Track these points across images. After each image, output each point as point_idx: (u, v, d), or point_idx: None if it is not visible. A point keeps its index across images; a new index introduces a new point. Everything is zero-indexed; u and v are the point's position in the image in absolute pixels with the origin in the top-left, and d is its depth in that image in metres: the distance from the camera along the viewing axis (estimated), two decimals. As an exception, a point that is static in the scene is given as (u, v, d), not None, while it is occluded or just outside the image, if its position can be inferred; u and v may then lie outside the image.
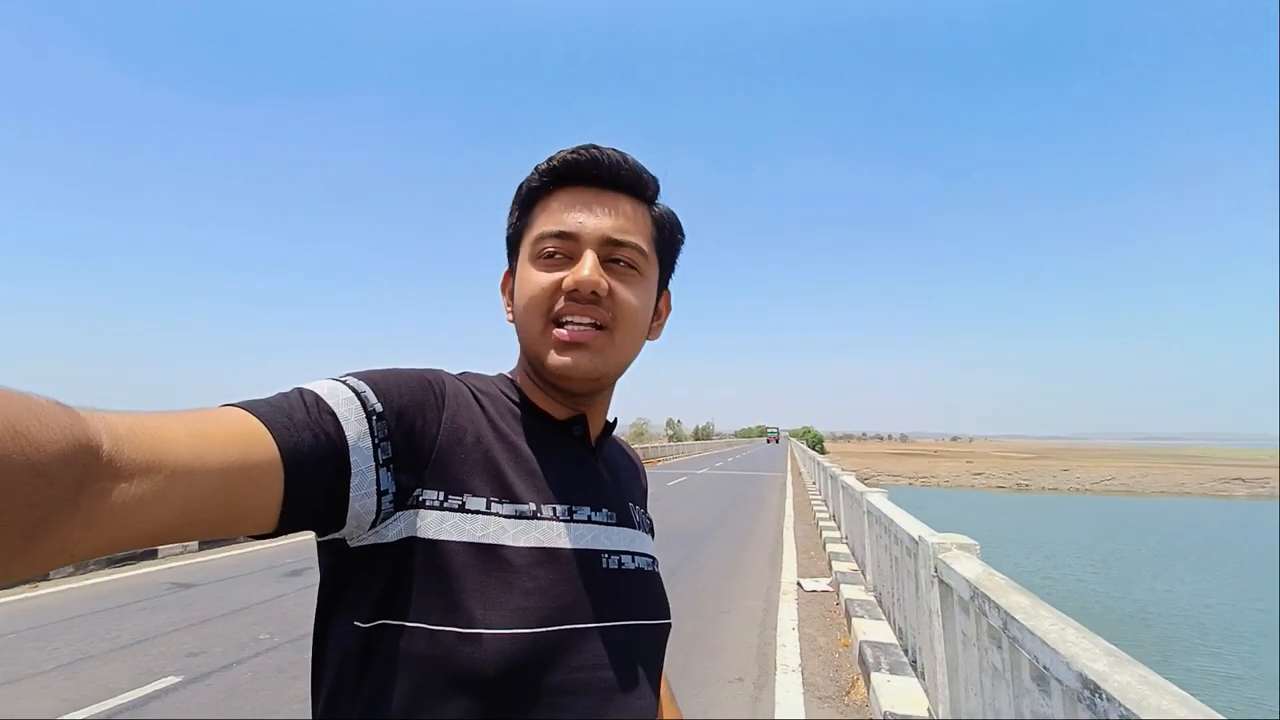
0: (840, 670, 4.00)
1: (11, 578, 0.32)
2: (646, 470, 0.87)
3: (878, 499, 4.94)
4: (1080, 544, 18.39)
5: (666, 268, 0.70)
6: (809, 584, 6.10)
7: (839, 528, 8.47)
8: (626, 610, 0.60)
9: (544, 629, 0.51)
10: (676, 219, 0.70)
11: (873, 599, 5.00)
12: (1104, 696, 1.26)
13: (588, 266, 0.59)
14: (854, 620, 4.49)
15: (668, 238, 0.69)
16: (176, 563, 7.06)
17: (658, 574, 0.69)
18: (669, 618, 0.67)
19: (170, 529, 0.38)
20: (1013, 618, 1.80)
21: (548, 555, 0.55)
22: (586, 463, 0.66)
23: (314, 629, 0.56)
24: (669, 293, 0.73)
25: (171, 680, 3.68)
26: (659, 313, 0.71)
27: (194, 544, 7.68)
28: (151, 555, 7.25)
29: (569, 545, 0.57)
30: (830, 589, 5.91)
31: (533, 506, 0.56)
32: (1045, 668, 1.57)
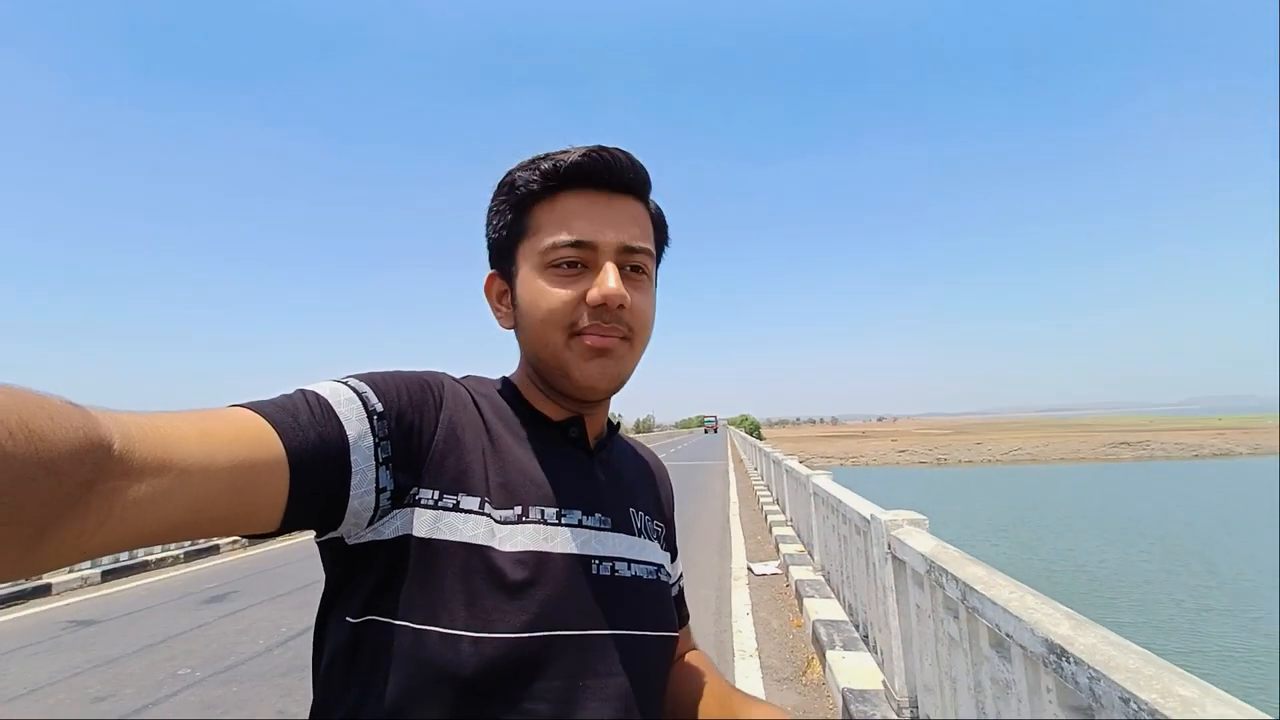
0: (795, 651, 4.09)
1: (23, 574, 0.33)
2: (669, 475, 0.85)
3: (824, 480, 5.08)
4: (992, 512, 19.88)
5: (659, 265, 0.70)
6: (759, 568, 6.22)
7: (784, 511, 8.70)
8: (617, 619, 0.58)
9: (526, 634, 0.51)
10: (664, 215, 0.70)
11: (821, 578, 5.15)
12: (1071, 659, 1.30)
13: (612, 279, 0.58)
14: (805, 600, 4.61)
15: (662, 236, 0.69)
16: (74, 598, 6.33)
17: (661, 583, 0.66)
18: (671, 629, 0.65)
19: (179, 527, 0.39)
20: (971, 588, 1.86)
21: (534, 559, 0.54)
22: (583, 466, 0.65)
23: (315, 624, 0.56)
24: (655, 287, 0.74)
25: (71, 732, 3.28)
26: None
27: (95, 576, 6.94)
28: (45, 592, 6.46)
29: (557, 550, 0.56)
30: (779, 571, 6.05)
31: (522, 509, 0.56)
32: (1007, 634, 1.62)
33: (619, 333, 0.60)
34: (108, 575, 7.04)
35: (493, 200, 0.64)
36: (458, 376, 0.66)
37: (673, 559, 0.78)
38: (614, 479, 0.68)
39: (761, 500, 10.83)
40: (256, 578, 6.78)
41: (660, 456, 0.88)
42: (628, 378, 0.64)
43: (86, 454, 0.32)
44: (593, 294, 0.58)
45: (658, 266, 0.70)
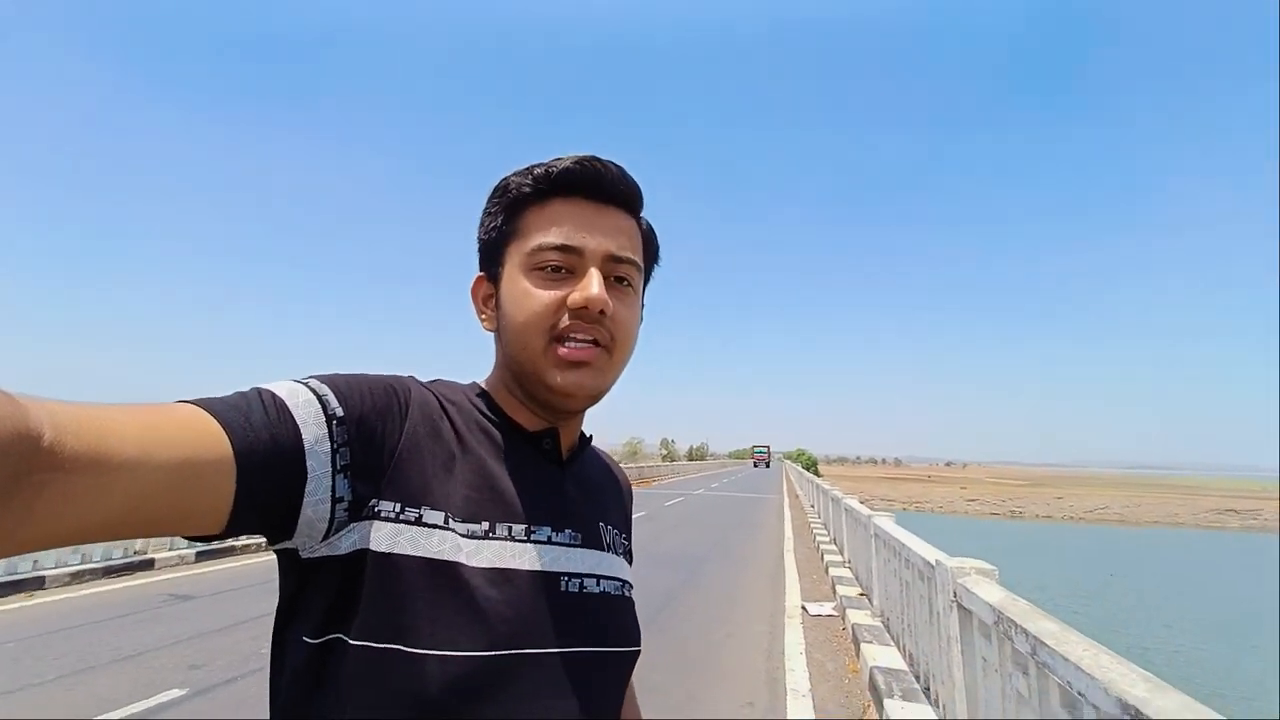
0: (851, 696, 3.98)
1: None
2: (634, 490, 0.84)
3: (886, 522, 4.95)
4: (1073, 575, 18.34)
5: (648, 280, 0.70)
6: (814, 608, 6.07)
7: (841, 551, 8.45)
8: (585, 636, 0.57)
9: (492, 652, 0.49)
10: (655, 233, 0.70)
11: (880, 624, 4.99)
12: (1146, 721, 1.28)
13: (595, 284, 0.57)
14: (862, 645, 4.48)
15: (651, 252, 0.69)
16: (173, 574, 6.98)
17: (627, 599, 0.65)
18: (637, 644, 0.64)
19: (114, 524, 0.37)
20: (1043, 643, 1.83)
21: (502, 576, 0.52)
22: (554, 479, 0.63)
23: (271, 644, 0.53)
24: (643, 304, 0.71)
25: (176, 693, 3.63)
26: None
27: (191, 555, 7.60)
28: (149, 566, 7.16)
29: (525, 566, 0.54)
30: (835, 613, 5.88)
31: (489, 524, 0.54)
32: (1080, 693, 1.59)
33: (599, 337, 0.59)
34: (201, 556, 7.70)
35: (486, 203, 0.64)
36: (426, 380, 0.64)
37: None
38: (585, 493, 0.66)
39: (818, 539, 10.54)
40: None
41: (714, 485, 0.85)
42: (606, 390, 0.62)
43: (12, 445, 0.30)
44: (574, 297, 0.57)
45: (646, 284, 0.69)
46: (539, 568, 0.55)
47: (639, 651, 0.64)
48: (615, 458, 0.87)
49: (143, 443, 0.37)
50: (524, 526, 0.56)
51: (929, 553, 3.41)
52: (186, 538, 0.44)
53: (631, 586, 0.68)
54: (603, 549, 0.64)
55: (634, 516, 0.80)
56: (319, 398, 0.49)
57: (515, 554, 0.54)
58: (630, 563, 0.73)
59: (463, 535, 0.52)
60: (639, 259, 0.64)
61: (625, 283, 0.62)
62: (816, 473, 36.04)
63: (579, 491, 0.65)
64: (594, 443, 0.75)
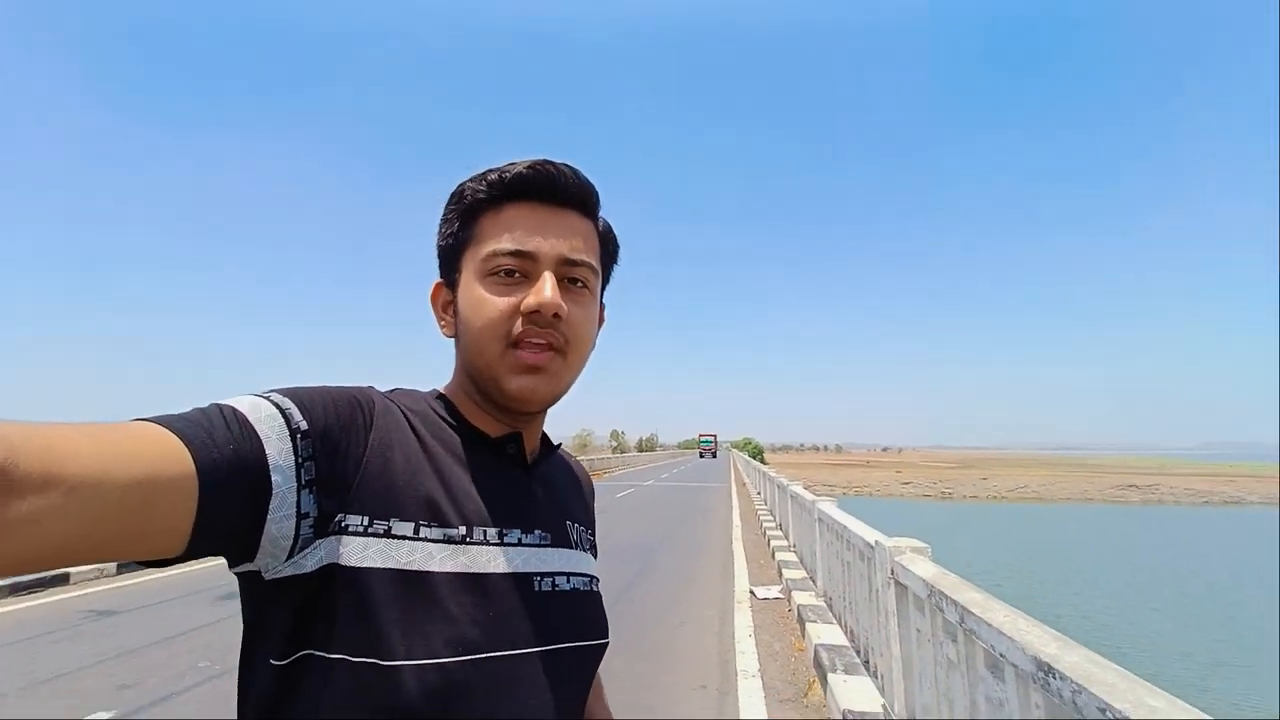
0: (797, 673, 4.18)
1: None
2: (594, 482, 0.88)
3: (829, 507, 5.19)
4: (996, 550, 19.69)
5: (605, 281, 0.70)
6: (761, 592, 6.30)
7: (787, 536, 8.77)
8: (560, 633, 0.58)
9: (470, 657, 0.50)
10: (614, 234, 0.70)
11: (824, 604, 5.24)
12: (1057, 675, 1.44)
13: (548, 289, 0.57)
14: (807, 625, 4.70)
15: (610, 252, 0.69)
16: (92, 588, 6.49)
17: (596, 593, 0.67)
18: (606, 637, 0.66)
19: (69, 549, 0.35)
20: (969, 611, 2.00)
21: (475, 581, 0.53)
22: (520, 482, 0.63)
23: (239, 665, 0.53)
24: (604, 305, 0.72)
25: (103, 715, 3.41)
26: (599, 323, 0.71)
27: (111, 568, 7.09)
28: (64, 580, 6.63)
29: (498, 569, 0.55)
30: (782, 596, 6.13)
31: (462, 530, 0.54)
32: (1001, 655, 1.76)
33: (553, 341, 0.59)
34: (122, 568, 7.19)
35: (444, 209, 0.64)
36: (385, 390, 0.64)
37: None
38: (550, 493, 0.67)
39: (764, 524, 10.89)
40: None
41: (663, 476, 0.88)
42: (563, 392, 0.63)
43: None
44: (528, 301, 0.57)
45: (604, 285, 0.70)
46: (512, 569, 0.56)
47: (608, 643, 0.67)
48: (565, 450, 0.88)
49: (100, 462, 0.36)
50: (496, 530, 0.57)
51: (869, 534, 3.62)
52: (142, 563, 0.43)
53: (598, 580, 0.70)
54: (570, 546, 0.66)
55: None
56: (282, 411, 0.48)
57: (489, 558, 0.55)
58: (595, 557, 0.75)
59: (434, 543, 0.52)
60: (594, 261, 0.63)
61: (580, 284, 0.62)
62: (762, 461, 37.02)
63: (545, 493, 0.66)
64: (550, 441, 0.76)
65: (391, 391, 0.64)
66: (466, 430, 0.62)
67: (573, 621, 0.61)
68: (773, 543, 8.77)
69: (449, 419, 0.62)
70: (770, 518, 11.52)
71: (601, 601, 0.69)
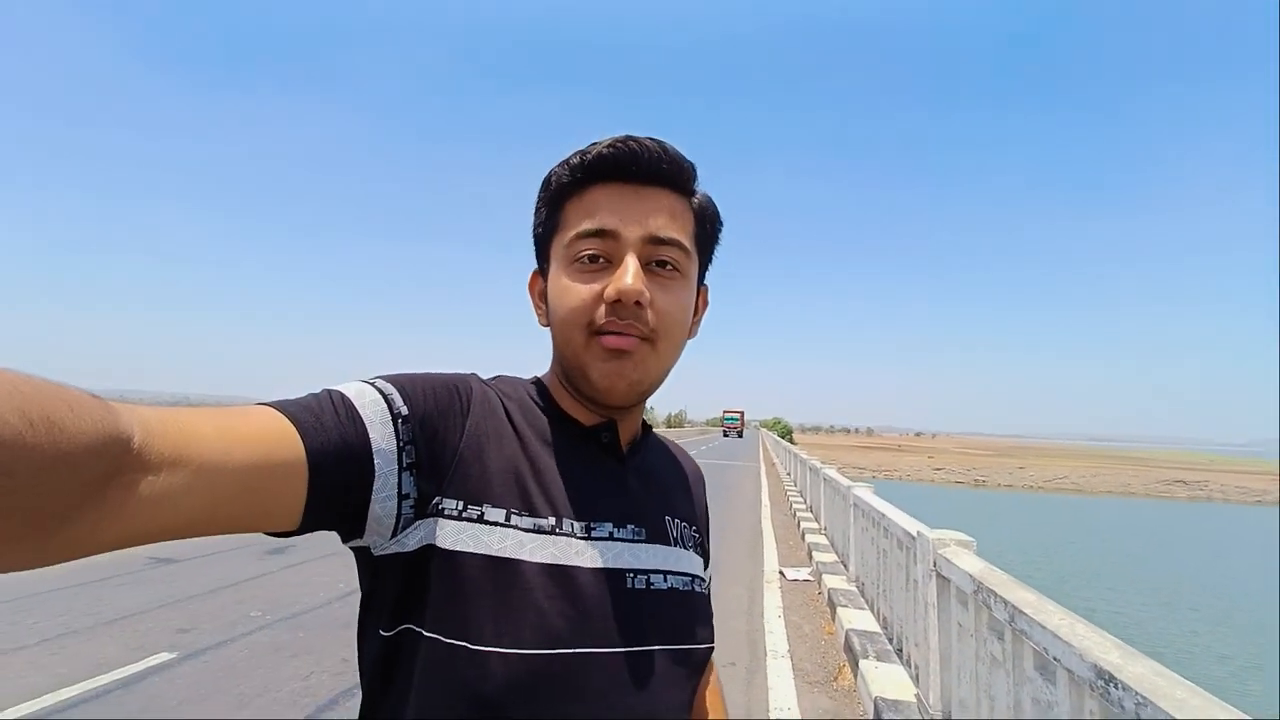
0: (827, 656, 4.18)
1: (37, 564, 0.32)
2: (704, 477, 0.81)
3: (865, 493, 5.12)
4: (1030, 541, 19.24)
5: (705, 261, 0.66)
6: (791, 573, 6.29)
7: (818, 519, 8.72)
8: (653, 634, 0.56)
9: (555, 650, 0.49)
10: (716, 208, 0.65)
11: (855, 589, 5.21)
12: (1119, 686, 1.39)
13: (630, 273, 0.55)
14: (838, 609, 4.68)
15: (708, 230, 0.64)
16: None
17: (699, 594, 0.64)
18: (709, 642, 0.63)
19: (195, 523, 0.38)
20: (1021, 611, 1.94)
21: (564, 573, 0.52)
22: (614, 474, 0.62)
23: (357, 632, 0.56)
24: (706, 287, 0.69)
25: (165, 656, 3.65)
26: (697, 309, 0.66)
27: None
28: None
29: (587, 563, 0.54)
30: (812, 579, 6.11)
31: (552, 520, 0.54)
32: (1055, 659, 1.70)
33: (637, 332, 0.56)
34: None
35: (536, 197, 0.63)
36: (488, 377, 0.64)
37: (706, 564, 0.74)
38: (648, 487, 0.65)
39: (794, 506, 10.85)
40: (312, 535, 7.23)
41: (691, 454, 0.85)
42: (652, 383, 0.60)
43: (105, 447, 0.32)
44: (609, 290, 0.55)
45: (706, 265, 0.66)
46: (601, 564, 0.55)
47: (712, 648, 0.63)
48: (674, 442, 0.83)
49: (223, 444, 0.39)
50: (585, 524, 0.56)
51: (910, 524, 3.55)
52: (266, 534, 0.45)
53: (704, 581, 0.67)
54: (669, 543, 0.63)
55: None
56: (385, 397, 0.50)
57: (577, 551, 0.54)
58: (705, 556, 0.71)
59: (525, 531, 0.52)
60: (685, 239, 0.60)
61: (669, 266, 0.58)
62: (791, 441, 36.79)
63: (642, 486, 0.64)
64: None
65: (493, 379, 0.64)
66: (560, 418, 0.62)
67: (669, 623, 0.58)
68: (803, 524, 8.73)
69: (545, 408, 0.62)
70: (800, 500, 11.47)
71: (707, 603, 0.65)
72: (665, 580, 0.60)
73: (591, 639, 0.52)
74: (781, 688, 3.64)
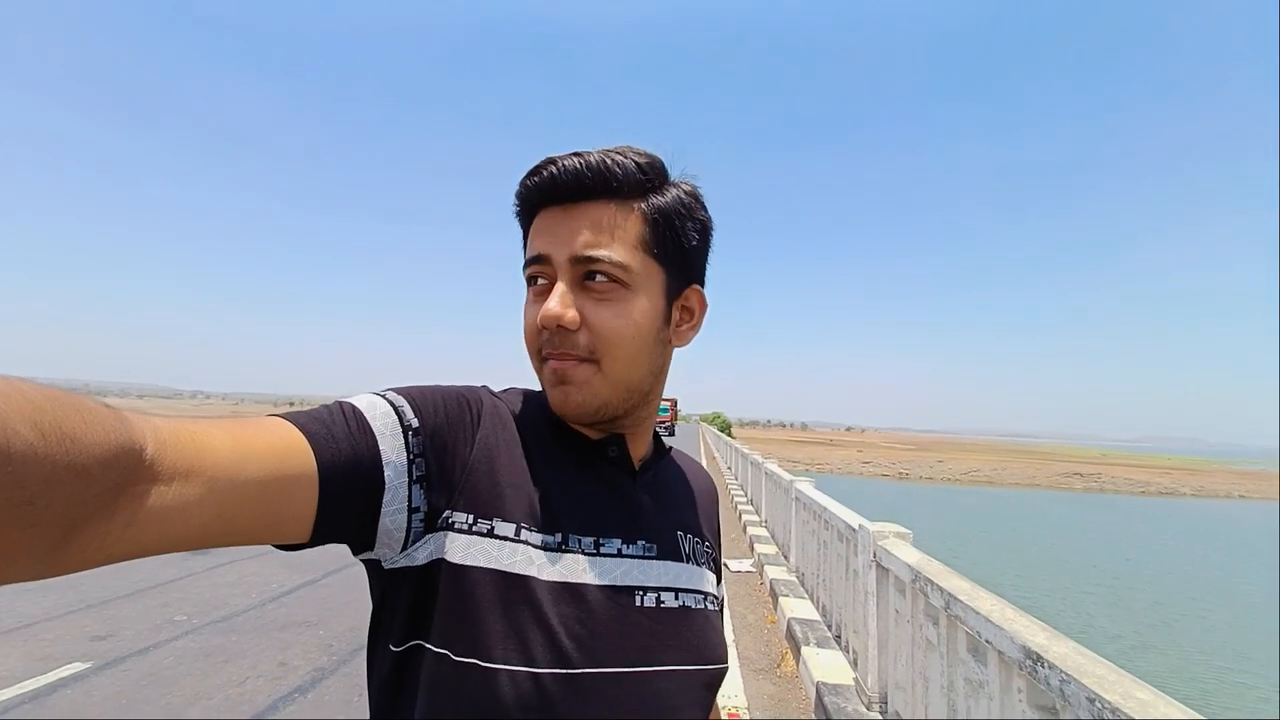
0: (770, 645, 4.36)
1: (48, 574, 0.32)
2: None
3: (806, 488, 5.35)
4: (947, 531, 20.58)
5: (682, 264, 0.61)
6: (734, 565, 6.49)
7: (759, 512, 9.01)
8: (665, 654, 0.55)
9: (564, 670, 0.48)
10: (688, 207, 0.60)
11: (795, 579, 5.44)
12: (1045, 664, 1.55)
13: (554, 299, 0.54)
14: (780, 599, 4.88)
15: (674, 231, 0.59)
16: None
17: (712, 612, 0.63)
18: (723, 662, 0.61)
19: (206, 534, 0.38)
20: (955, 598, 2.11)
21: (573, 590, 0.51)
22: (624, 489, 0.61)
23: (366, 646, 0.55)
24: (699, 290, 0.64)
25: (77, 666, 3.39)
26: (689, 313, 0.63)
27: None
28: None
29: (596, 580, 0.53)
30: (754, 570, 6.33)
31: (559, 537, 0.53)
32: (987, 641, 1.87)
33: (575, 355, 0.55)
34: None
35: None
36: (500, 390, 0.64)
37: (718, 579, 0.73)
38: (660, 501, 0.64)
39: (735, 499, 11.15)
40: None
41: None
42: (613, 399, 0.58)
43: (117, 458, 0.32)
44: (537, 320, 0.55)
45: (690, 265, 0.62)
46: (610, 581, 0.54)
47: (725, 669, 0.62)
48: (690, 457, 0.82)
49: (235, 457, 0.39)
50: (593, 539, 0.55)
51: (851, 518, 3.75)
52: (276, 546, 0.45)
53: (718, 599, 0.66)
54: (682, 560, 0.62)
55: None
56: (396, 409, 0.50)
57: (584, 567, 0.53)
58: (718, 573, 0.71)
59: (535, 548, 0.52)
60: (619, 250, 0.55)
61: (604, 279, 0.55)
62: (730, 435, 37.70)
63: (653, 501, 0.63)
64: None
65: (504, 392, 0.64)
66: (569, 433, 0.61)
67: (681, 642, 0.57)
68: (744, 517, 9.00)
69: (553, 421, 0.61)
70: (742, 493, 11.79)
71: (719, 621, 0.65)
72: (677, 598, 0.59)
73: (602, 659, 0.51)
74: (729, 675, 3.78)
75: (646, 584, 0.57)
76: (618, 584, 0.55)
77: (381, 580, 0.52)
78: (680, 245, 0.60)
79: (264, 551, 6.00)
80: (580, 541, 0.54)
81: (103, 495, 0.32)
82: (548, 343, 0.56)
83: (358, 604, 4.56)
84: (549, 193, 0.56)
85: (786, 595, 4.94)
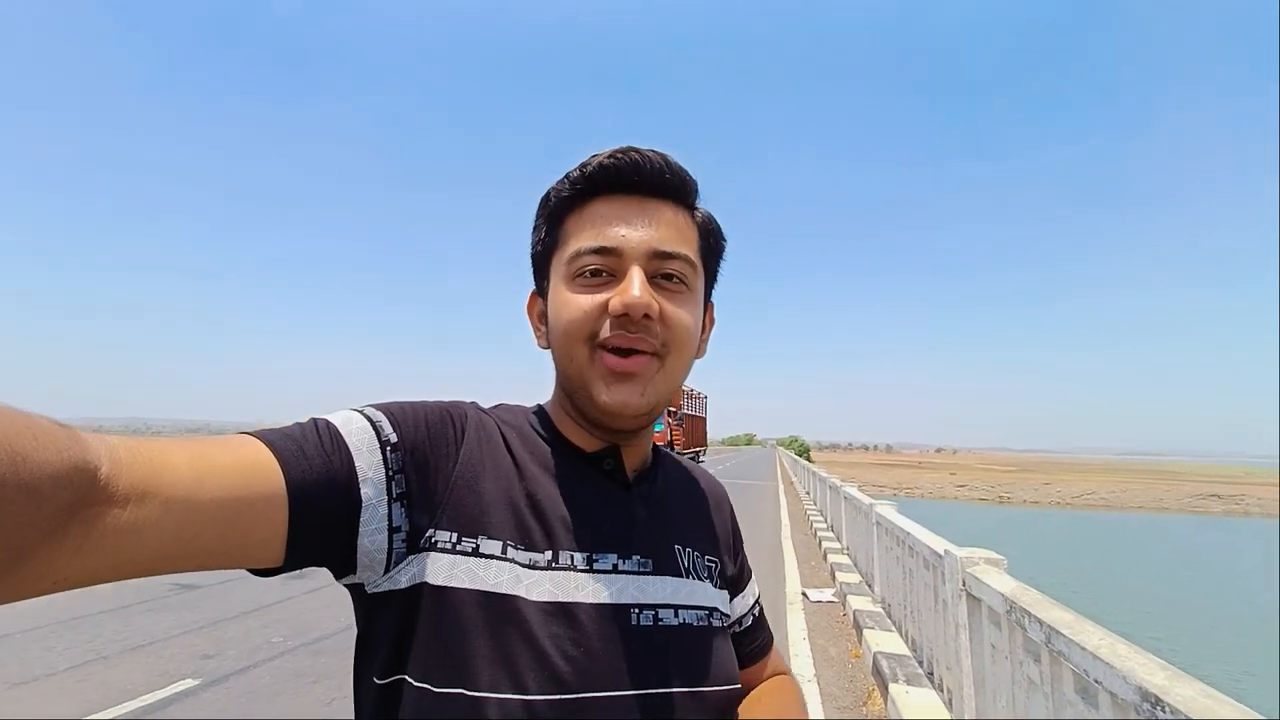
0: (855, 681, 4.08)
1: None
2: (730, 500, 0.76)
3: (887, 511, 5.03)
4: (1059, 560, 18.68)
5: (710, 278, 0.63)
6: (814, 594, 6.17)
7: (839, 539, 8.57)
8: (665, 675, 0.52)
9: (559, 696, 0.46)
10: (718, 224, 0.63)
11: (881, 610, 5.09)
12: (1166, 709, 1.34)
13: (636, 285, 0.52)
14: (865, 631, 4.57)
15: (712, 245, 0.62)
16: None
17: (717, 629, 0.59)
18: (732, 682, 0.58)
19: (166, 557, 0.36)
20: (1058, 632, 1.89)
21: (563, 610, 0.49)
22: (619, 502, 0.58)
23: (352, 682, 0.52)
24: (713, 304, 0.66)
25: (189, 683, 3.66)
26: (704, 327, 0.64)
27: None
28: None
29: (589, 599, 0.50)
30: (836, 600, 5.99)
31: (549, 554, 0.51)
32: (1096, 681, 1.64)
33: (648, 347, 0.53)
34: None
35: (534, 216, 0.61)
36: (488, 406, 0.62)
37: (738, 590, 0.70)
38: (657, 515, 0.61)
39: (814, 525, 10.68)
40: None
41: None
42: (659, 404, 0.56)
43: (69, 478, 0.30)
44: (614, 302, 0.52)
45: (711, 281, 0.63)
46: (603, 600, 0.51)
47: (738, 689, 0.58)
48: (695, 465, 0.78)
49: (195, 475, 0.37)
50: (586, 555, 0.52)
51: (937, 543, 3.47)
52: (250, 571, 0.43)
53: (723, 615, 0.62)
54: (681, 575, 0.58)
55: None
56: (373, 424, 0.48)
57: (576, 585, 0.50)
58: (729, 584, 0.67)
59: (522, 566, 0.49)
60: (692, 254, 0.57)
61: (676, 280, 0.56)
62: (809, 459, 36.36)
63: (649, 514, 0.60)
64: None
65: (494, 407, 0.62)
66: (561, 445, 0.59)
67: (680, 663, 0.53)
68: (824, 544, 8.58)
69: (544, 434, 0.60)
70: (821, 518, 11.29)
71: (724, 638, 0.60)
72: (676, 615, 0.55)
73: (598, 682, 0.48)
74: (810, 714, 3.56)
75: (642, 601, 0.54)
76: (611, 602, 0.51)
77: (365, 606, 0.50)
78: (715, 259, 0.63)
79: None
80: (572, 558, 0.52)
81: (54, 517, 0.30)
82: (618, 331, 0.53)
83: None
84: (627, 179, 0.55)
85: (872, 627, 4.62)
